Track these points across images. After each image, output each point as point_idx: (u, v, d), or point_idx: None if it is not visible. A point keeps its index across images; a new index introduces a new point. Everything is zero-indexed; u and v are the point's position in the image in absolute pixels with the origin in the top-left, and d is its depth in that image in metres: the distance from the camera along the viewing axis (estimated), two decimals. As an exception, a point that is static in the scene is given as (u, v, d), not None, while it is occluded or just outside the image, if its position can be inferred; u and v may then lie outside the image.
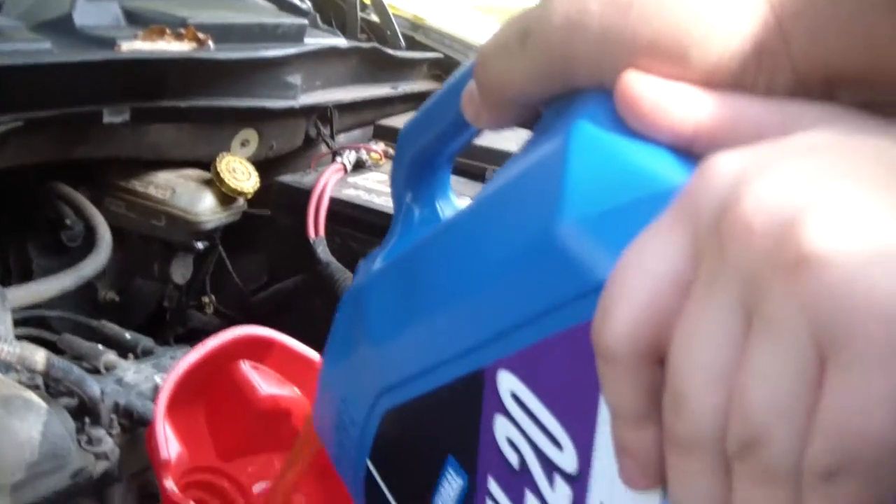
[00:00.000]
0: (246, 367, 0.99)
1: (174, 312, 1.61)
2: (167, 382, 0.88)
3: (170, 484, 0.81)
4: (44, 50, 1.16)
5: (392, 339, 0.42)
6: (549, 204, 0.31)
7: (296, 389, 1.01)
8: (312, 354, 1.00)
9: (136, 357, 1.26)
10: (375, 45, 1.88)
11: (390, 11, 2.10)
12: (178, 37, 1.33)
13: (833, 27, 0.28)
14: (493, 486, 0.36)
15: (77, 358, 1.18)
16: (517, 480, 0.35)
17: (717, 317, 0.24)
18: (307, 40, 1.60)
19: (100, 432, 0.99)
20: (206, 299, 1.64)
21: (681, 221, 0.25)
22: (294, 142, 1.70)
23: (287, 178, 1.55)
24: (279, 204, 1.54)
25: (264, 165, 1.56)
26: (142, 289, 1.58)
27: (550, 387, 0.32)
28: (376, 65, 1.84)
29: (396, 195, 0.49)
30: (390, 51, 1.90)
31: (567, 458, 0.32)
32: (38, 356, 0.97)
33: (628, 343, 0.25)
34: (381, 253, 0.48)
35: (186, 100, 1.35)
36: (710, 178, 0.25)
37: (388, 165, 1.62)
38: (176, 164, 1.48)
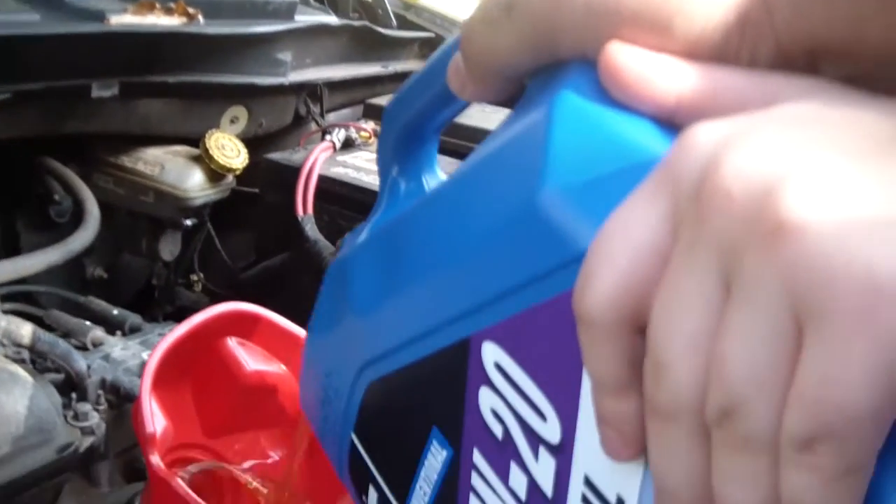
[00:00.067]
0: (232, 344, 0.99)
1: (162, 290, 1.61)
2: (153, 357, 0.88)
3: (156, 459, 0.81)
4: (32, 21, 1.16)
5: (376, 311, 0.42)
6: (532, 173, 0.31)
7: (282, 366, 1.01)
8: (299, 331, 1.00)
9: (124, 334, 1.26)
10: (366, 23, 1.87)
11: (382, -10, 2.09)
12: (168, 11, 1.32)
13: None
14: (478, 458, 0.36)
15: (64, 334, 1.18)
16: (502, 452, 0.35)
17: (696, 285, 0.24)
18: (298, 17, 1.59)
19: (86, 407, 0.99)
20: (194, 277, 1.64)
21: (661, 190, 0.25)
22: (283, 119, 1.69)
23: (276, 156, 1.54)
24: (268, 181, 1.54)
25: (253, 143, 1.55)
26: (130, 265, 1.58)
27: (534, 357, 0.32)
28: (367, 43, 1.84)
29: (382, 168, 0.49)
30: (381, 30, 1.89)
31: (551, 430, 0.32)
32: (24, 330, 0.97)
33: (609, 310, 0.25)
34: (366, 226, 0.48)
35: (176, 75, 1.35)
36: (691, 147, 0.25)
37: (376, 144, 1.62)
38: (165, 140, 1.48)
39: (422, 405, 0.40)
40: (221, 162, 1.42)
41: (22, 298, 1.34)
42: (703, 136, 0.25)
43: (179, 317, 0.99)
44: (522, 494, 0.34)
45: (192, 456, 1.00)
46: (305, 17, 1.63)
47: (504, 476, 0.35)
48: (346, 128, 1.63)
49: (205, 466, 0.98)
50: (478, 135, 1.46)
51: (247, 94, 1.53)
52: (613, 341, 0.26)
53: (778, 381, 0.22)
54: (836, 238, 0.21)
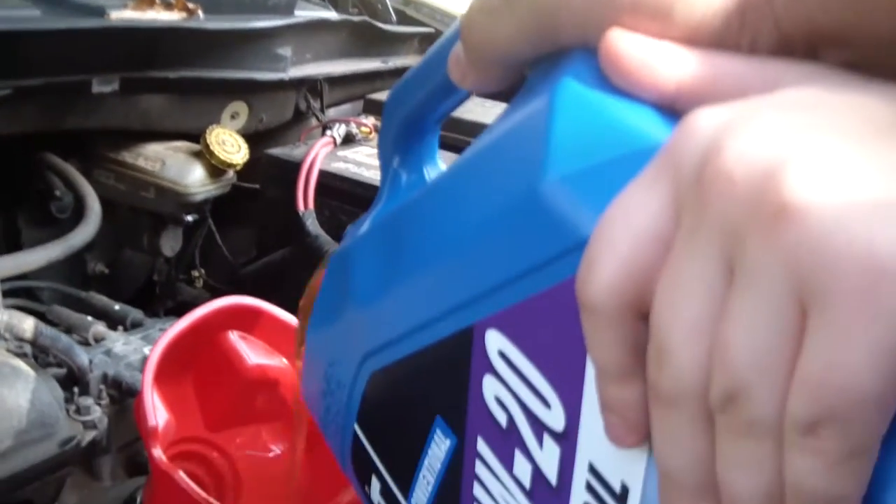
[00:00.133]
0: (234, 337, 0.99)
1: (163, 286, 1.61)
2: (155, 350, 0.88)
3: (158, 452, 0.81)
4: (32, 17, 1.15)
5: (378, 301, 0.42)
6: (534, 161, 0.31)
7: (284, 360, 1.01)
8: (301, 325, 1.00)
9: (126, 329, 1.26)
10: (366, 18, 1.87)
11: (381, -15, 2.09)
12: (168, 6, 1.32)
13: None
14: (482, 446, 0.36)
15: (66, 329, 1.18)
16: (506, 440, 0.35)
17: (698, 269, 0.24)
18: (297, 12, 1.59)
19: (88, 401, 0.99)
20: (195, 273, 1.64)
21: (663, 175, 0.25)
22: (284, 115, 1.69)
23: (276, 151, 1.54)
24: (268, 177, 1.54)
25: (254, 138, 1.55)
26: (131, 261, 1.58)
27: (538, 345, 0.32)
28: (367, 39, 1.83)
29: (384, 160, 0.49)
30: (381, 25, 1.89)
31: (555, 417, 0.32)
32: (27, 324, 0.96)
33: (612, 297, 0.26)
34: (368, 218, 0.48)
35: (176, 70, 1.35)
36: (692, 132, 0.25)
37: (377, 139, 1.62)
38: (166, 135, 1.48)
39: (425, 394, 0.40)
40: (222, 157, 1.42)
41: (24, 294, 1.35)
42: (704, 121, 0.25)
43: (180, 312, 0.99)
44: (527, 482, 0.34)
45: (194, 449, 1.00)
46: (305, 13, 1.63)
47: (508, 464, 0.35)
48: (347, 123, 1.63)
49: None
50: (477, 130, 1.46)
51: (247, 90, 1.53)
52: (616, 328, 0.26)
53: (781, 365, 0.22)
54: (838, 220, 0.21)
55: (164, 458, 0.81)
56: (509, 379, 0.33)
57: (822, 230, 0.21)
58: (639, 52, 0.29)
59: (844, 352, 0.21)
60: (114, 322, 1.28)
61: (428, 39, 2.04)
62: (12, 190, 1.44)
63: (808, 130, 0.23)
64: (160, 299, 1.62)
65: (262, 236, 1.63)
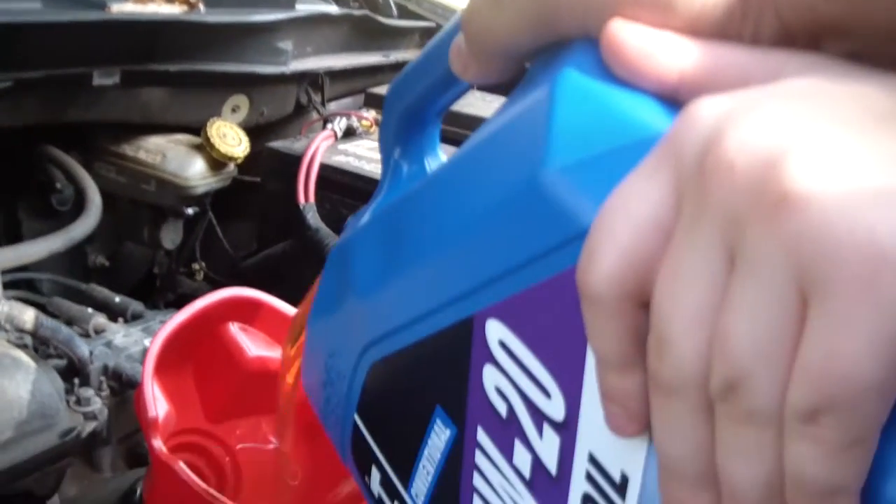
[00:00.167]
0: (234, 329, 0.99)
1: (164, 278, 1.61)
2: (155, 341, 0.88)
3: (158, 443, 0.81)
4: (33, 9, 1.16)
5: (378, 291, 0.42)
6: (535, 151, 0.31)
7: (284, 352, 1.01)
8: (301, 317, 1.00)
9: (126, 321, 1.27)
10: (367, 12, 1.87)
11: (383, -21, 2.09)
12: (169, -1, 1.32)
13: None
14: (482, 437, 0.36)
15: (67, 321, 1.18)
16: (506, 430, 0.35)
17: (699, 258, 0.24)
18: (298, 6, 1.59)
19: (88, 393, 0.99)
20: (196, 266, 1.64)
21: (664, 164, 0.25)
22: (285, 108, 1.69)
23: (277, 144, 1.54)
24: (269, 170, 1.54)
25: (255, 131, 1.55)
26: (132, 254, 1.58)
27: (538, 334, 0.32)
28: (368, 33, 1.83)
29: (385, 151, 0.49)
30: (382, 19, 1.89)
31: (555, 407, 0.32)
32: (27, 315, 0.97)
33: (612, 286, 0.26)
34: (368, 209, 0.48)
35: (177, 63, 1.35)
36: (694, 121, 0.25)
37: (378, 133, 1.62)
38: (166, 128, 1.48)
39: (425, 384, 0.40)
40: (223, 150, 1.42)
41: (24, 286, 1.35)
42: (705, 110, 0.25)
43: (181, 305, 0.99)
44: (527, 472, 0.34)
45: (194, 441, 1.00)
46: (306, 6, 1.63)
47: (508, 454, 0.35)
48: (348, 117, 1.63)
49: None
50: (478, 124, 1.45)
51: (248, 83, 1.53)
52: (617, 317, 0.26)
53: (782, 354, 0.22)
54: (839, 209, 0.21)
55: (164, 449, 0.81)
56: (509, 369, 0.34)
57: (823, 219, 0.21)
58: (640, 41, 0.29)
59: (845, 340, 0.21)
60: (114, 314, 1.28)
61: (429, 34, 2.04)
62: (13, 182, 1.44)
63: (810, 120, 0.23)
64: (160, 292, 1.62)
65: (263, 229, 1.63)
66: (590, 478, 0.31)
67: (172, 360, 0.92)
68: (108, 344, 1.13)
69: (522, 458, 0.34)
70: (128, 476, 1.08)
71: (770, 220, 0.22)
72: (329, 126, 1.59)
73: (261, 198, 1.59)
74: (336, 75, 1.78)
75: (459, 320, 0.36)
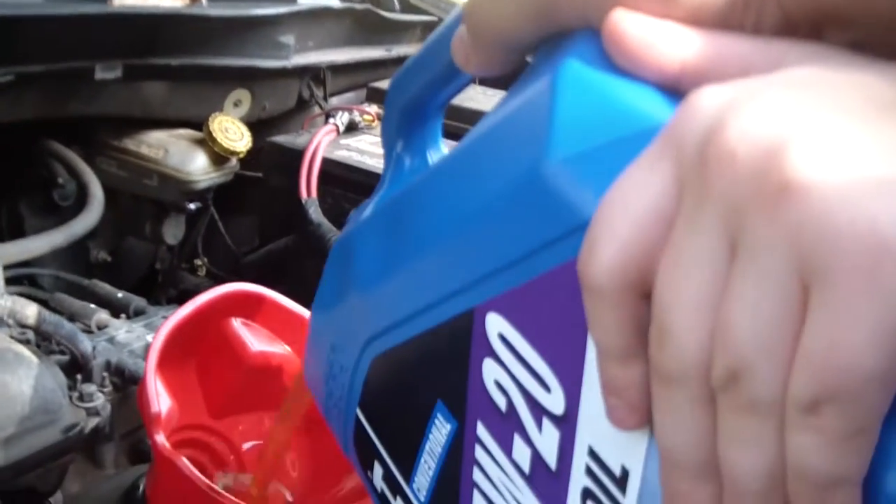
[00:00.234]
0: (237, 324, 0.99)
1: (166, 274, 1.61)
2: (158, 336, 0.88)
3: (161, 438, 0.81)
4: (35, 2, 1.15)
5: (380, 285, 0.42)
6: (537, 142, 0.31)
7: (287, 347, 1.01)
8: (303, 312, 1.00)
9: (129, 317, 1.26)
10: (369, 6, 1.86)
11: (385, -27, 2.09)
12: (171, -7, 1.32)
13: None
14: (482, 431, 0.36)
15: (69, 317, 1.18)
16: (505, 424, 0.35)
17: (700, 248, 0.24)
18: (300, 0, 1.59)
19: (91, 388, 0.99)
20: (198, 261, 1.64)
21: (665, 154, 0.25)
22: (287, 103, 1.69)
23: (279, 139, 1.54)
24: (271, 164, 1.54)
25: (257, 126, 1.55)
26: (134, 249, 1.58)
27: (539, 327, 0.32)
28: (370, 27, 1.83)
29: (387, 144, 0.49)
30: (384, 13, 1.89)
31: (555, 400, 0.32)
32: (30, 310, 0.97)
33: (614, 277, 0.25)
34: (371, 203, 0.48)
35: (179, 57, 1.35)
36: (695, 110, 0.25)
37: (380, 127, 1.62)
38: (168, 123, 1.48)
39: (426, 379, 0.40)
40: (225, 145, 1.42)
41: (26, 281, 1.35)
42: (706, 99, 0.25)
43: (183, 301, 0.99)
44: (526, 467, 0.34)
45: (197, 436, 1.00)
46: (308, 0, 1.63)
47: (508, 448, 0.35)
48: (350, 111, 1.63)
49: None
50: (479, 118, 1.45)
51: (250, 77, 1.53)
52: (619, 308, 0.26)
53: (784, 344, 0.22)
54: (841, 198, 0.21)
55: (167, 444, 0.81)
56: (509, 362, 0.33)
57: (824, 208, 0.21)
58: (642, 32, 0.29)
59: (846, 331, 0.21)
60: (116, 310, 1.28)
61: (431, 28, 2.03)
62: (15, 177, 1.44)
63: (811, 109, 0.23)
64: (162, 287, 1.62)
65: (265, 224, 1.64)
66: (590, 472, 0.31)
67: (175, 355, 0.91)
68: (111, 340, 1.13)
69: (522, 452, 0.34)
70: (130, 472, 1.08)
71: (771, 210, 0.22)
72: (331, 121, 1.58)
73: (263, 193, 1.59)
74: (338, 69, 1.78)
75: (459, 314, 0.36)
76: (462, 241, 0.35)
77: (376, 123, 1.65)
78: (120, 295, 1.33)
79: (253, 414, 1.03)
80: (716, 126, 0.23)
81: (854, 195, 0.21)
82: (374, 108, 1.68)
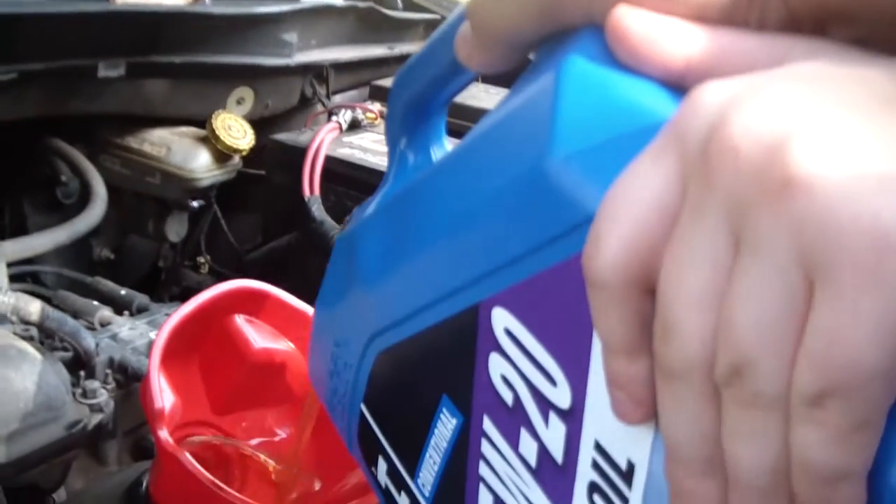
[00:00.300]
0: (240, 321, 0.99)
1: (169, 271, 1.62)
2: (161, 332, 0.88)
3: (164, 434, 0.81)
4: (37, 0, 1.15)
5: (384, 281, 0.42)
6: (541, 138, 0.31)
7: (290, 344, 1.01)
8: (307, 309, 1.00)
9: (132, 314, 1.27)
10: (372, 4, 1.86)
11: (388, -29, 2.09)
12: (174, -9, 1.32)
13: None
14: (488, 425, 0.36)
15: (73, 314, 1.18)
16: (512, 418, 0.35)
17: (704, 242, 0.24)
18: (303, -2, 1.60)
19: (94, 385, 0.99)
20: (201, 259, 1.64)
21: (668, 149, 0.25)
22: (289, 100, 1.69)
23: (282, 137, 1.54)
24: (274, 162, 1.54)
25: (260, 124, 1.55)
26: (137, 247, 1.58)
27: (544, 322, 0.32)
28: (373, 25, 1.83)
29: (391, 141, 0.49)
30: (387, 11, 1.89)
31: (561, 394, 0.32)
32: (33, 307, 0.97)
33: (618, 272, 0.26)
34: (375, 199, 0.49)
35: (182, 55, 1.35)
36: (698, 105, 0.25)
37: (383, 125, 1.62)
38: (171, 121, 1.48)
39: (431, 374, 0.40)
40: (228, 143, 1.42)
41: (30, 279, 1.35)
42: (710, 95, 0.25)
43: (185, 298, 0.99)
44: (533, 461, 0.34)
45: (200, 433, 1.00)
46: (311, -2, 1.63)
47: (514, 442, 0.35)
48: (353, 109, 1.63)
49: (209, 440, 0.98)
50: (482, 116, 1.45)
51: (252, 75, 1.53)
52: (623, 303, 0.26)
53: (787, 339, 0.22)
54: (844, 193, 0.21)
55: (170, 440, 0.81)
56: (515, 357, 0.34)
57: (827, 203, 0.21)
58: (646, 28, 0.29)
59: (850, 326, 0.21)
60: (119, 307, 1.28)
61: (434, 26, 2.03)
62: (18, 175, 1.44)
63: (814, 104, 0.23)
64: (165, 285, 1.62)
65: (268, 222, 1.64)
66: (596, 466, 0.31)
67: (178, 352, 0.92)
68: (114, 337, 1.13)
69: (528, 446, 0.34)
70: (134, 469, 1.08)
71: (774, 205, 0.22)
72: (334, 118, 1.59)
73: (266, 190, 1.59)
74: (341, 67, 1.78)
75: (465, 309, 0.36)
76: (467, 237, 0.35)
77: (379, 121, 1.65)
78: (123, 292, 1.33)
79: (256, 410, 1.03)
80: (719, 121, 0.23)
81: (857, 191, 0.21)
82: (376, 106, 1.68)
